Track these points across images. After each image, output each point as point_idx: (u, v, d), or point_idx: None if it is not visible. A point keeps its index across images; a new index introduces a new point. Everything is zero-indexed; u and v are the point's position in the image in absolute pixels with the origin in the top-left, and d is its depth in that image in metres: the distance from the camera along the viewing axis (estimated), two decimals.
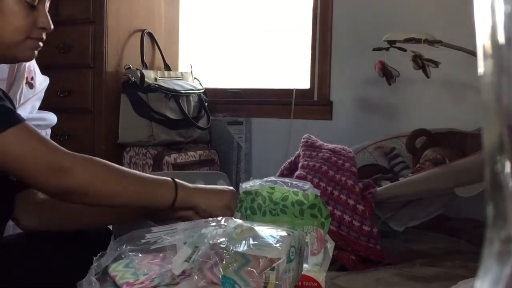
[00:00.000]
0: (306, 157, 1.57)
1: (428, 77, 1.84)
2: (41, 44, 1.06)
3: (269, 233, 0.74)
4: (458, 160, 1.58)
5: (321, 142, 1.67)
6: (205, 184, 1.63)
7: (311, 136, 1.71)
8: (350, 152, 1.60)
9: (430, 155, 1.78)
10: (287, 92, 2.50)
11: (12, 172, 0.98)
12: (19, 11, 1.00)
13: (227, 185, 1.73)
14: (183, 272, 0.73)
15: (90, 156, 0.98)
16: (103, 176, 0.97)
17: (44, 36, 1.05)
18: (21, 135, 0.93)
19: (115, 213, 1.13)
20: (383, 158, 2.00)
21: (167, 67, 2.58)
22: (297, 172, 1.52)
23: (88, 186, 0.95)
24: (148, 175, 1.08)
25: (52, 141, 0.97)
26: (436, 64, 1.80)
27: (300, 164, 1.56)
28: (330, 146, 1.63)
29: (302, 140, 1.68)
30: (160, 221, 1.06)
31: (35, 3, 1.01)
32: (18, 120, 0.94)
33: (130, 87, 2.30)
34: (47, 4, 1.05)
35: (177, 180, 1.04)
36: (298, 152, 1.65)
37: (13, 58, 1.06)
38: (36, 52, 1.06)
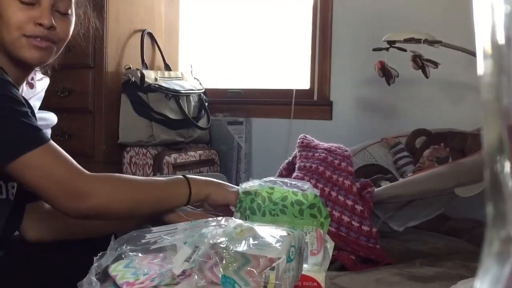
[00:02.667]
0: (303, 158, 1.57)
1: (427, 77, 1.84)
2: (43, 44, 1.04)
3: (269, 233, 0.74)
4: (458, 160, 1.58)
5: (317, 142, 1.67)
6: None
7: (307, 136, 1.71)
8: (346, 151, 1.60)
9: (432, 153, 1.77)
10: (287, 92, 2.50)
11: (35, 192, 1.00)
12: (10, 8, 1.01)
13: None
14: (183, 272, 0.73)
15: (108, 175, 1.02)
16: (121, 194, 1.00)
17: (43, 34, 1.03)
18: (45, 156, 0.95)
19: (118, 222, 1.14)
20: (382, 158, 2.00)
21: (167, 67, 2.58)
22: (294, 174, 1.52)
23: (107, 207, 0.98)
24: (161, 179, 1.12)
25: (73, 162, 0.98)
26: (435, 64, 1.80)
27: (297, 166, 1.56)
28: (326, 145, 1.62)
29: (298, 140, 1.68)
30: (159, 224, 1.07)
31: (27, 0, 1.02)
32: (43, 140, 0.96)
33: (130, 87, 2.30)
34: (51, 2, 1.04)
35: (188, 176, 1.07)
36: (295, 152, 1.65)
37: (19, 59, 1.05)
38: (41, 52, 1.04)
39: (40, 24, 1.03)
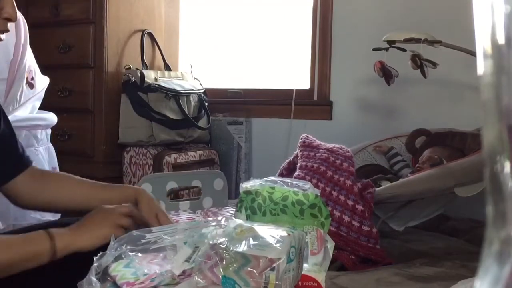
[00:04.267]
0: (304, 157, 1.57)
1: (425, 77, 1.84)
2: (2, 36, 0.99)
3: (269, 233, 0.74)
4: (457, 160, 1.58)
5: (319, 142, 1.67)
6: (202, 183, 1.64)
7: (309, 136, 1.71)
8: (348, 152, 1.60)
9: (427, 157, 1.78)
10: (287, 92, 2.51)
11: None
12: None
13: (224, 184, 1.73)
14: (183, 272, 0.73)
15: None
16: None
17: (8, 28, 0.99)
18: None
19: (99, 200, 1.09)
20: (382, 158, 2.01)
21: (167, 67, 2.58)
22: (296, 173, 1.52)
23: None
24: (19, 236, 0.97)
25: None
26: (434, 64, 1.80)
27: (298, 165, 1.56)
28: (328, 145, 1.63)
29: (300, 140, 1.68)
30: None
31: None
32: None
33: (130, 87, 2.30)
34: None
35: (51, 230, 0.94)
36: (296, 152, 1.65)
37: None
38: None
39: (7, 18, 0.97)
